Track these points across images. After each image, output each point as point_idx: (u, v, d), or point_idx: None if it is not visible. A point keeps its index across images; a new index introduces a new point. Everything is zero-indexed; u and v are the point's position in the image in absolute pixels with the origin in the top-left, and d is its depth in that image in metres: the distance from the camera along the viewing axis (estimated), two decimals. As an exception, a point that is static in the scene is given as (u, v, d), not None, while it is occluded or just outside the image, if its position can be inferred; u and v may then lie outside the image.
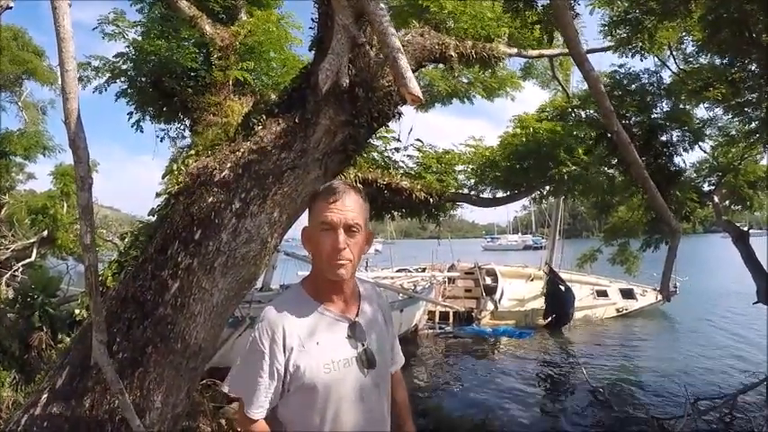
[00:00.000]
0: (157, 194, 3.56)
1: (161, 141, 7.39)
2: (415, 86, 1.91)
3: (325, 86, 2.09)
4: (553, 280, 16.65)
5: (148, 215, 3.66)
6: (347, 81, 2.25)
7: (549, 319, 16.39)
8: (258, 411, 1.68)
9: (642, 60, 6.97)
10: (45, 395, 2.84)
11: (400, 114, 3.91)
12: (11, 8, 2.19)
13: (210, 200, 3.10)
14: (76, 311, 4.37)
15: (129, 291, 3.02)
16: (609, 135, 7.45)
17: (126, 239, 3.95)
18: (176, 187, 3.26)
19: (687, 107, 7.70)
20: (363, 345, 1.75)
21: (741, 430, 6.88)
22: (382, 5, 1.95)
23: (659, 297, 18.64)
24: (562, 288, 16.30)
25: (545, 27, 5.63)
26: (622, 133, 4.59)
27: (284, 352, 1.66)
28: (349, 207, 1.70)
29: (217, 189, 3.13)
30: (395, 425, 1.93)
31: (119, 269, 4.04)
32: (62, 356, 3.09)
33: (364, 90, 3.46)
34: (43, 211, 13.15)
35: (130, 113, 7.07)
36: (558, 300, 16.24)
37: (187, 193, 3.18)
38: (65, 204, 13.40)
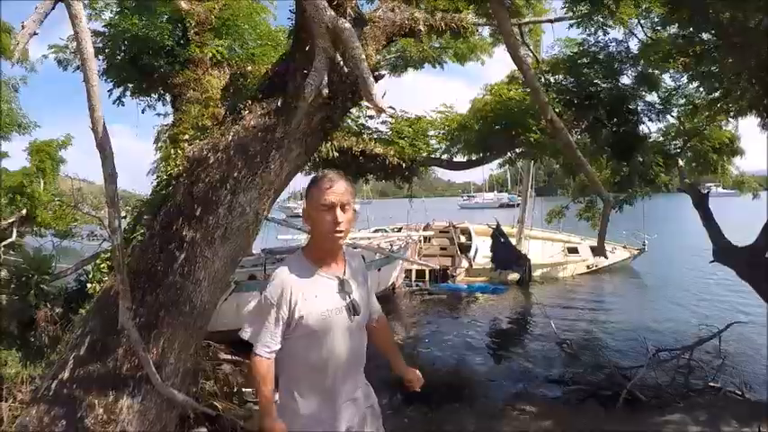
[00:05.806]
0: (156, 176, 3.95)
1: (143, 113, 7.45)
2: (380, 102, 2.35)
3: (311, 98, 2.51)
4: (496, 234, 17.76)
5: (150, 195, 4.02)
6: (327, 91, 2.66)
7: (501, 270, 17.51)
8: (264, 350, 2.20)
9: (605, 36, 7.18)
10: (71, 361, 3.23)
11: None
12: (36, 34, 2.48)
13: (207, 180, 3.49)
14: (89, 286, 4.67)
15: (140, 264, 3.42)
16: (575, 101, 7.85)
17: (128, 218, 4.30)
18: (176, 170, 3.63)
19: (655, 72, 7.91)
20: (350, 297, 2.29)
21: (695, 379, 7.32)
22: (354, 32, 2.34)
23: (631, 254, 19.59)
24: (502, 240, 17.70)
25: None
26: (556, 119, 5.23)
27: (290, 304, 2.17)
28: (342, 190, 2.21)
29: (212, 170, 3.50)
30: (390, 357, 2.60)
31: (126, 245, 4.34)
32: (82, 327, 3.48)
33: (339, 74, 3.77)
34: (20, 189, 12.96)
35: (110, 90, 7.16)
36: (501, 250, 17.58)
37: (186, 174, 3.56)
38: (41, 181, 13.24)
